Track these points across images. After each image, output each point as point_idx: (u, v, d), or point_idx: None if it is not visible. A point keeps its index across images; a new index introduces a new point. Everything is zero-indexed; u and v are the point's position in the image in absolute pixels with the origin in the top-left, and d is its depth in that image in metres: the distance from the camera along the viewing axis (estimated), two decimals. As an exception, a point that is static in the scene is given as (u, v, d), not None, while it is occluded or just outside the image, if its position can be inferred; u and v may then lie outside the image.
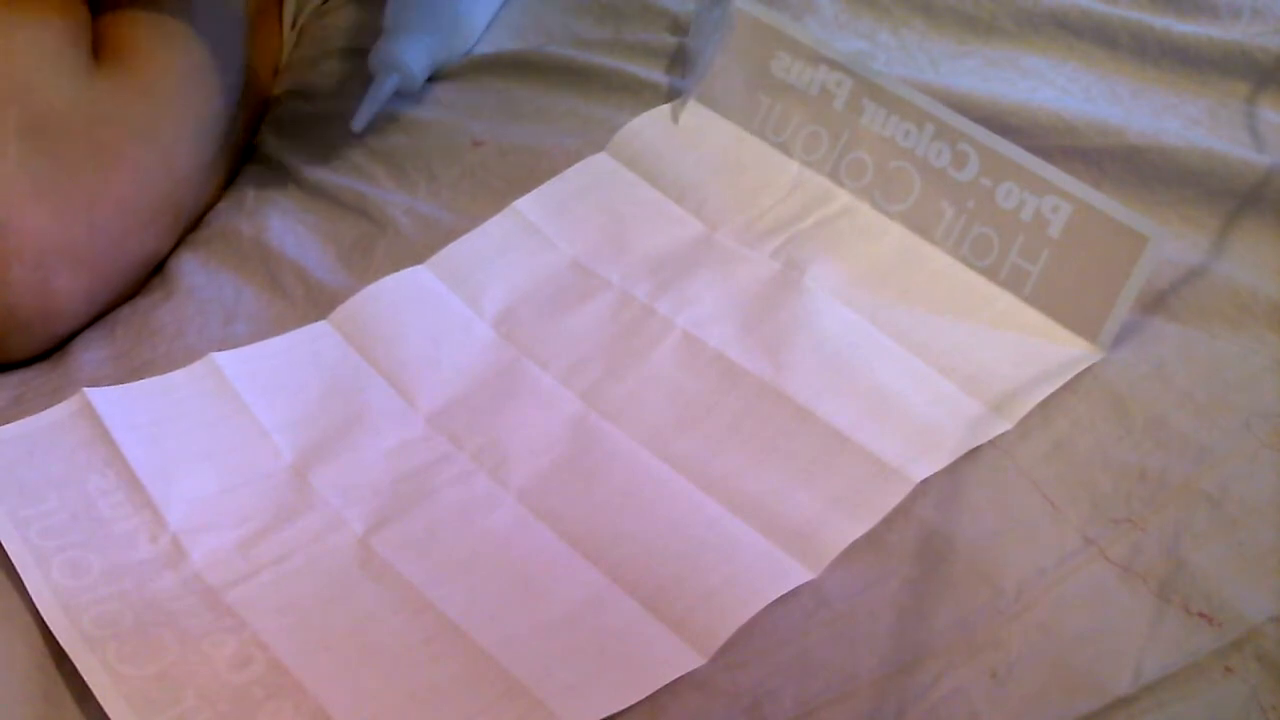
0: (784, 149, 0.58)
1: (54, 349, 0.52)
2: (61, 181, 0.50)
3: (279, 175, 0.61)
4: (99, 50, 0.56)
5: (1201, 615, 0.40)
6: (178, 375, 0.49)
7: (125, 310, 0.54)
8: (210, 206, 0.60)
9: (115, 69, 0.55)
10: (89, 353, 0.51)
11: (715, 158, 0.58)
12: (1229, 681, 0.39)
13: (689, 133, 0.59)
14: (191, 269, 0.55)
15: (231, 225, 0.58)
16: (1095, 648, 0.40)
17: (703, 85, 0.60)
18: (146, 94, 0.55)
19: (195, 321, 0.52)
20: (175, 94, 0.57)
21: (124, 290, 0.55)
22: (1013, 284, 0.51)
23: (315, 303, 0.53)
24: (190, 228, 0.59)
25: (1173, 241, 0.51)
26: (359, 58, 0.64)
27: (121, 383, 0.48)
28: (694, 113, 0.60)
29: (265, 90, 0.66)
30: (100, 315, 0.54)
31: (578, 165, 0.58)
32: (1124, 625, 0.40)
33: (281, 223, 0.57)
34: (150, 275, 0.56)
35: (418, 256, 0.54)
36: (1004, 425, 0.46)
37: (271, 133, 0.64)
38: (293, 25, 0.70)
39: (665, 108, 0.60)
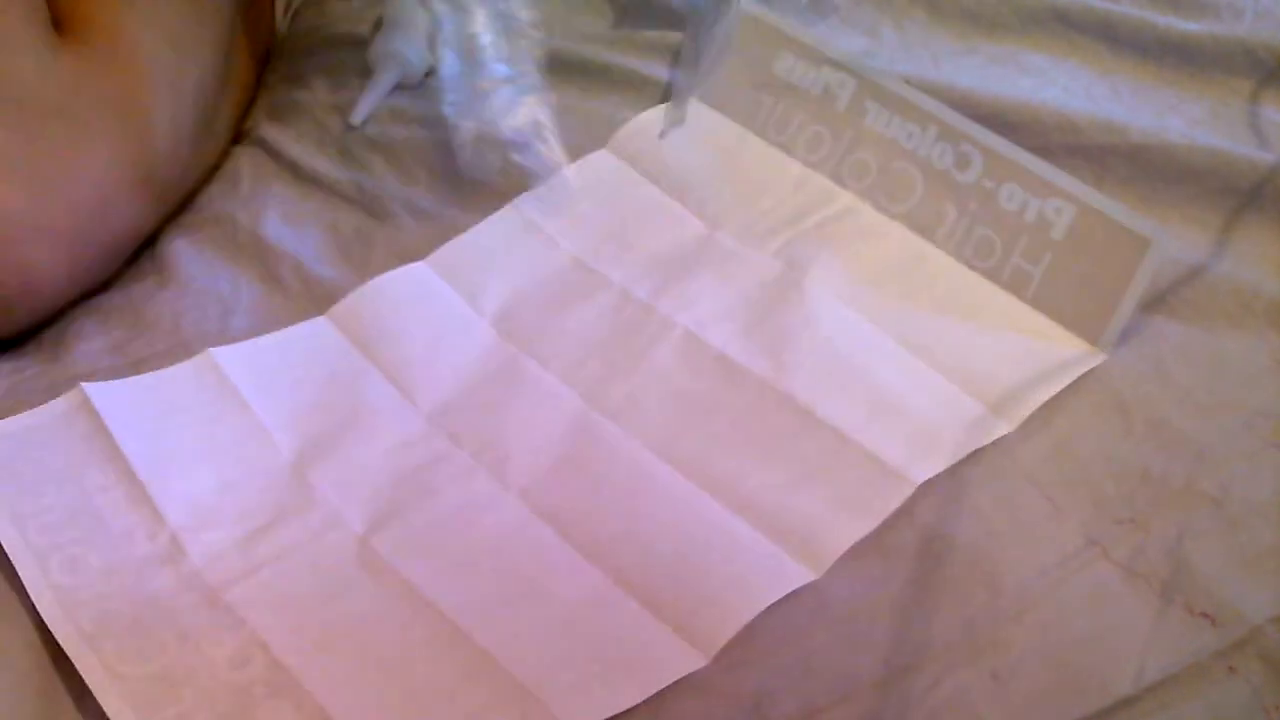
0: (786, 149, 0.58)
1: (48, 338, 0.52)
2: (34, 158, 0.50)
3: (276, 164, 0.60)
4: (59, 24, 0.54)
5: (1204, 615, 0.40)
6: (176, 370, 0.49)
7: (120, 299, 0.53)
8: (199, 184, 0.59)
9: (79, 42, 0.53)
10: (85, 344, 0.51)
11: (717, 157, 0.58)
12: (1232, 681, 0.39)
13: (691, 132, 0.59)
14: (187, 257, 0.55)
15: (227, 213, 0.57)
16: (1097, 648, 0.40)
17: (705, 84, 0.60)
18: (115, 65, 0.54)
19: (192, 314, 0.52)
20: (146, 65, 0.55)
21: (108, 265, 0.54)
22: (1015, 286, 0.51)
23: (313, 297, 0.53)
24: (181, 207, 0.58)
25: (1175, 241, 0.51)
26: (355, 46, 0.64)
27: (118, 376, 0.48)
28: (696, 112, 0.60)
29: (253, 71, 0.65)
30: (89, 294, 0.53)
31: (579, 162, 0.58)
32: (1126, 626, 0.40)
33: (279, 214, 0.57)
34: (142, 255, 0.56)
35: (417, 251, 0.54)
36: (1005, 427, 0.46)
37: (267, 120, 0.63)
38: (286, 10, 0.70)
39: (666, 105, 0.60)
